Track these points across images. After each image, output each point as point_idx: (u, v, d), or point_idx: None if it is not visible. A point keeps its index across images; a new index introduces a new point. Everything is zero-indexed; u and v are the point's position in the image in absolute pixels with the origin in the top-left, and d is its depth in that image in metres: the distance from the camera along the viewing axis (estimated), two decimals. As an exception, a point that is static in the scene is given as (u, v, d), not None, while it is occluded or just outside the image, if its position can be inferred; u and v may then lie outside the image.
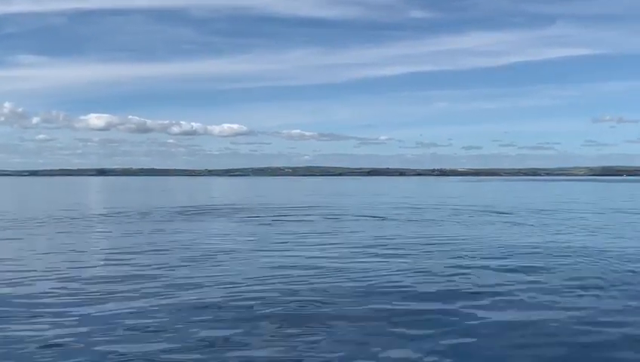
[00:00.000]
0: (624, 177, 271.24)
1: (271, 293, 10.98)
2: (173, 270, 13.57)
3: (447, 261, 14.77)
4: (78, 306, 10.03)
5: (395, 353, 7.77)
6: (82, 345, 7.96)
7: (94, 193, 75.21)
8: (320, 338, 8.32)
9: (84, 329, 8.64)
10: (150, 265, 14.22)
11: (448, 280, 12.25)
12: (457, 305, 10.10)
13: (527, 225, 25.09)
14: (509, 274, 12.87)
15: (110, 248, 17.88)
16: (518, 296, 10.85)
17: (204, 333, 8.49)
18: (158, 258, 15.44)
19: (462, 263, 14.39)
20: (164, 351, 7.76)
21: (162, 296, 10.81)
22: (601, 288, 11.46)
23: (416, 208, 37.14)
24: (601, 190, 78.62)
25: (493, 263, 14.44)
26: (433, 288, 11.53)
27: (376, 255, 15.86)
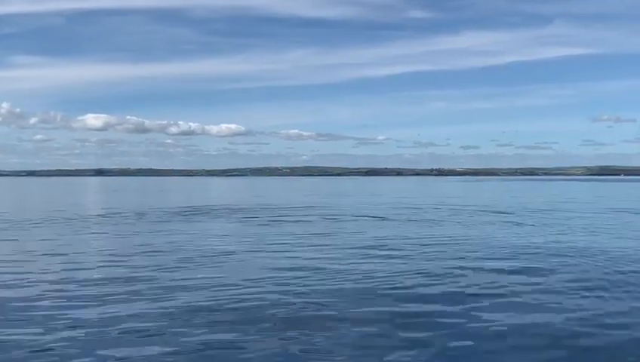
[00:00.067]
0: (621, 177, 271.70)
1: (270, 295, 10.83)
2: (170, 272, 13.40)
3: (448, 262, 14.62)
4: (73, 309, 9.86)
5: (395, 356, 7.64)
6: (78, 350, 7.79)
7: (92, 193, 75.01)
8: (319, 341, 8.19)
9: (78, 333, 8.47)
10: (147, 267, 14.05)
11: (450, 282, 12.11)
12: (459, 307, 9.98)
13: (528, 225, 24.98)
14: (511, 276, 12.74)
15: (106, 249, 17.70)
16: (521, 297, 10.72)
17: (201, 337, 8.34)
18: (154, 259, 15.26)
19: (463, 264, 14.25)
20: (160, 355, 7.61)
21: (159, 298, 10.65)
22: (605, 289, 11.34)
23: (416, 208, 37.02)
24: (599, 190, 78.64)
25: (495, 264, 14.32)
26: (435, 290, 11.39)
27: (377, 256, 15.70)
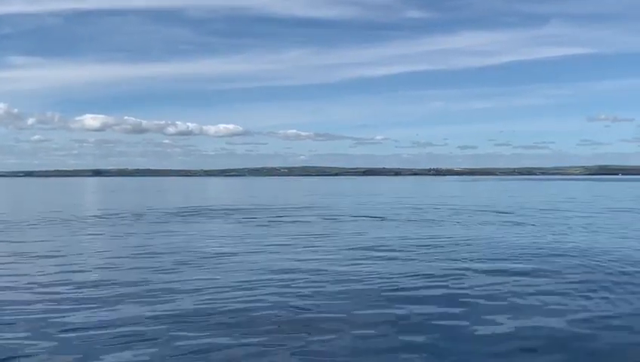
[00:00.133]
0: (619, 176, 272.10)
1: (269, 298, 10.66)
2: (168, 274, 13.21)
3: (449, 263, 14.46)
4: (68, 312, 9.67)
5: (395, 359, 7.52)
6: (72, 355, 7.61)
7: (89, 194, 74.78)
8: (319, 343, 8.05)
9: (72, 337, 8.29)
10: (144, 269, 13.87)
11: (451, 283, 11.94)
12: (461, 309, 9.85)
13: (528, 225, 24.82)
14: (513, 277, 12.57)
15: (103, 251, 17.50)
16: (524, 299, 10.57)
17: (199, 340, 8.17)
18: (152, 261, 15.07)
19: (464, 265, 14.09)
20: (158, 359, 7.43)
21: (156, 301, 10.46)
22: (609, 290, 11.18)
23: (415, 208, 36.90)
24: (597, 189, 78.62)
25: (497, 265, 14.17)
26: (436, 291, 11.23)
27: (378, 257, 15.52)
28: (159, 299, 10.63)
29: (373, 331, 8.65)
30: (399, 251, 16.65)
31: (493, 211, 33.67)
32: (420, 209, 36.07)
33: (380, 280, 12.24)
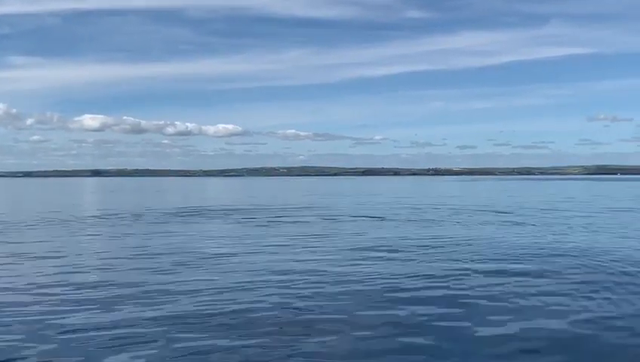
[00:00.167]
0: (618, 176, 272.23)
1: (268, 299, 10.60)
2: (167, 275, 13.14)
3: (450, 264, 14.40)
4: (66, 314, 9.59)
5: (397, 360, 7.45)
6: (70, 358, 7.54)
7: (88, 194, 74.66)
8: (319, 345, 8.02)
9: (71, 339, 8.23)
10: (143, 270, 13.80)
11: (452, 284, 11.87)
12: (463, 310, 9.79)
13: (528, 224, 24.77)
14: (515, 278, 12.50)
15: (102, 252, 17.43)
16: (526, 299, 10.52)
17: (198, 342, 8.12)
18: (151, 262, 14.99)
19: (465, 266, 14.03)
20: (157, 361, 7.36)
21: (155, 302, 10.39)
22: (612, 291, 11.12)
23: (414, 208, 36.85)
24: (596, 189, 78.62)
25: (499, 266, 14.11)
26: (437, 292, 11.17)
27: (378, 258, 15.46)
28: (158, 300, 10.56)
29: (373, 332, 8.59)
30: (399, 251, 16.58)
31: (493, 211, 33.62)
32: (420, 209, 36.01)
33: (380, 281, 12.18)
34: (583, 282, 11.95)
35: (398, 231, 22.50)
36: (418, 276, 12.73)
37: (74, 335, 8.39)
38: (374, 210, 35.86)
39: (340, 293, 11.07)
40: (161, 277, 12.76)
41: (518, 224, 25.09)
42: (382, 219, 28.53)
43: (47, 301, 10.54)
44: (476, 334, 8.51)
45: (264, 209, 37.39)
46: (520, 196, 57.83)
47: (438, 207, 38.29)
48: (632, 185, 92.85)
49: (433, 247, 17.45)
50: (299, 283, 11.98)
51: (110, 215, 32.50)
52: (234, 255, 16.28)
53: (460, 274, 12.86)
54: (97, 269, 14.16)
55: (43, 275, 13.14)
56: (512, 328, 8.74)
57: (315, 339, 8.24)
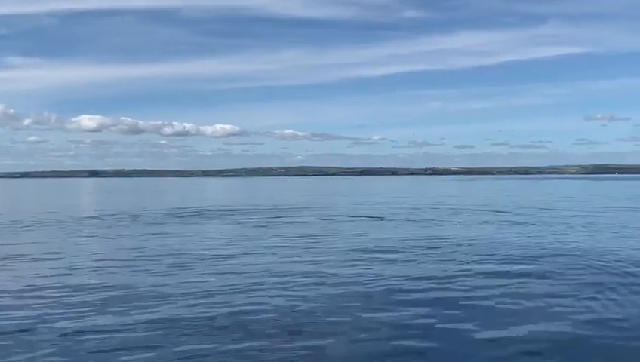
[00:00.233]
0: (616, 175, 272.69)
1: (267, 300, 10.50)
2: (165, 276, 13.00)
3: (450, 264, 14.30)
4: (62, 317, 9.46)
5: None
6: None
7: (86, 195, 74.48)
8: (318, 347, 7.93)
9: (66, 343, 8.08)
10: (140, 272, 13.66)
11: (454, 286, 11.76)
12: (463, 312, 9.71)
13: (529, 224, 24.69)
14: (517, 279, 12.40)
15: (99, 253, 17.29)
16: (529, 300, 10.42)
17: (196, 345, 8.01)
18: (148, 264, 14.84)
19: (467, 267, 13.93)
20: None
21: (153, 305, 10.26)
22: (616, 291, 11.03)
23: (413, 208, 36.76)
24: (594, 188, 78.66)
25: (500, 266, 14.03)
26: (438, 294, 11.06)
27: (378, 259, 15.34)
28: (155, 302, 10.42)
29: (373, 334, 8.50)
30: (399, 252, 16.46)
31: (492, 211, 33.54)
32: (418, 209, 35.91)
33: (380, 283, 12.06)
34: (585, 283, 11.85)
35: (398, 232, 22.38)
36: (418, 277, 12.61)
37: (69, 339, 8.27)
38: (373, 210, 35.76)
39: (340, 295, 10.94)
40: (159, 279, 12.62)
41: (517, 224, 25.00)
42: (381, 219, 28.41)
43: (43, 303, 10.40)
44: (477, 336, 8.41)
45: (262, 209, 37.26)
46: (518, 195, 57.80)
47: (437, 206, 38.20)
48: (630, 185, 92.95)
49: (433, 248, 17.33)
50: (298, 285, 11.85)
51: (107, 216, 32.34)
52: (232, 256, 16.14)
53: (461, 275, 12.74)
54: (94, 271, 14.02)
55: (39, 277, 13.00)
56: (514, 330, 8.64)
57: (314, 342, 8.13)
